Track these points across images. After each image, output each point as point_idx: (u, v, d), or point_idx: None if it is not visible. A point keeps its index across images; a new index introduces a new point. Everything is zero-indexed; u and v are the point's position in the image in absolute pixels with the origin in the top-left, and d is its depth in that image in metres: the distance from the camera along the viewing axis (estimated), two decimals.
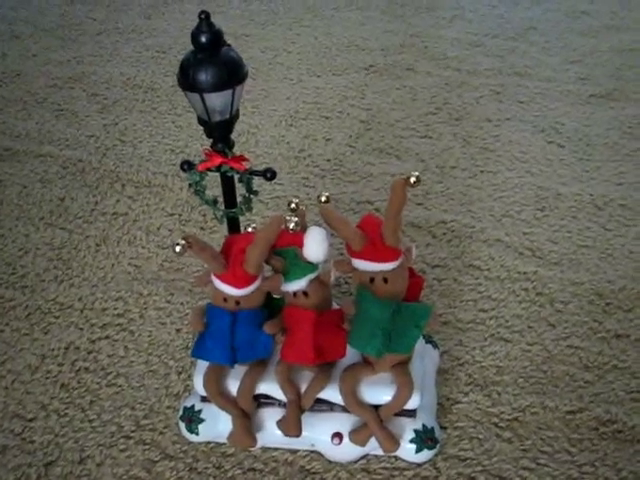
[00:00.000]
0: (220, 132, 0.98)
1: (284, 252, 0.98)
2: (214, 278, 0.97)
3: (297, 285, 0.97)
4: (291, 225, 0.94)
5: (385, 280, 0.95)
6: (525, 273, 1.38)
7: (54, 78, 2.09)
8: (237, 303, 0.98)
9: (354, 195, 1.57)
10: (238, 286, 0.96)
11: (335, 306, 1.06)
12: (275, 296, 1.03)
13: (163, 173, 1.67)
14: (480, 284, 1.36)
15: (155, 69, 2.09)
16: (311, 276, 0.97)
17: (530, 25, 2.32)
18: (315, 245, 0.93)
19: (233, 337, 0.98)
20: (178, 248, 0.90)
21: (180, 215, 1.55)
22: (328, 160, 1.70)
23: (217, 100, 0.94)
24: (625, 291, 1.34)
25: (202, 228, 1.51)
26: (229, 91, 0.94)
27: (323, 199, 0.96)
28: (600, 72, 2.04)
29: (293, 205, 0.98)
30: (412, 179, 0.89)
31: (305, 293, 0.98)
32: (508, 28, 2.30)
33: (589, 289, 1.34)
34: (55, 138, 1.83)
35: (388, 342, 0.95)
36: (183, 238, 0.90)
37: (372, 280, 0.95)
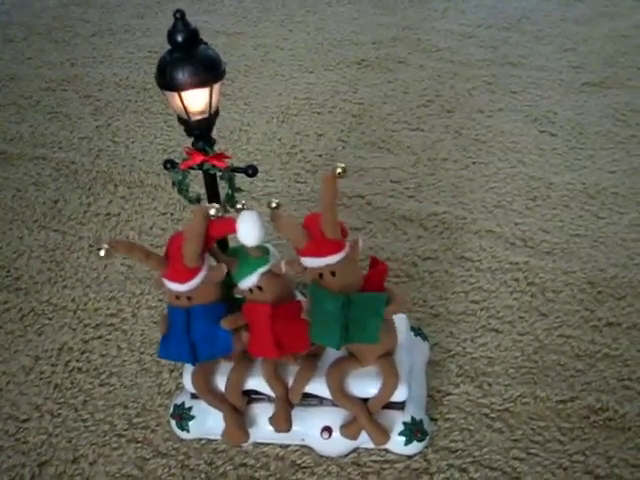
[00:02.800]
0: (200, 130, 0.98)
1: (235, 252, 0.99)
2: (162, 278, 0.97)
3: (250, 281, 0.97)
4: (212, 211, 0.94)
5: (333, 273, 0.95)
6: (516, 263, 1.38)
7: (47, 81, 2.10)
8: (189, 299, 0.98)
9: (346, 190, 1.57)
10: (181, 281, 0.96)
11: (300, 297, 1.06)
12: (236, 295, 1.03)
13: (155, 173, 1.68)
14: (471, 275, 1.36)
15: (148, 69, 2.10)
16: (262, 270, 0.97)
17: (523, 14, 2.31)
18: (247, 228, 0.92)
19: (190, 334, 0.99)
20: (102, 252, 0.90)
21: (172, 214, 1.56)
22: (320, 155, 1.70)
23: (195, 98, 0.94)
24: (617, 279, 1.33)
25: None
26: (207, 89, 0.94)
27: (273, 205, 0.96)
28: (593, 60, 2.04)
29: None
30: (338, 170, 0.89)
31: (260, 287, 0.98)
32: (501, 18, 2.30)
33: (581, 278, 1.34)
34: (48, 141, 1.83)
35: (345, 333, 0.95)
36: (107, 242, 0.90)
37: (321, 275, 0.95)
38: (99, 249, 0.90)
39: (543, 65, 2.03)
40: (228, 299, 1.02)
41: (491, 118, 1.81)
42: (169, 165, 1.02)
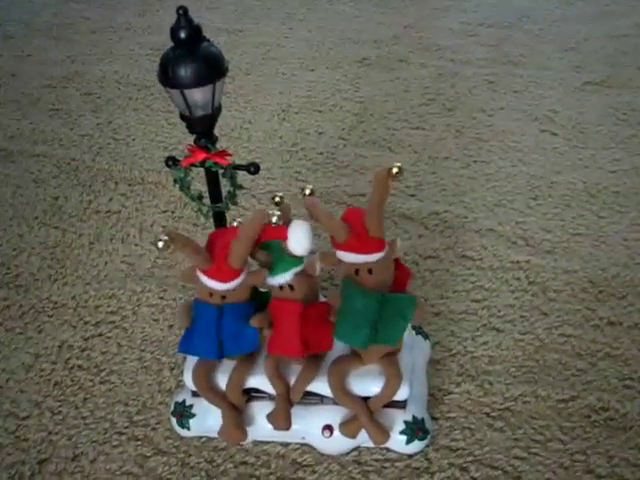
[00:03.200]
0: (202, 127, 0.98)
1: (270, 246, 0.98)
2: (199, 273, 0.97)
3: (283, 279, 0.97)
4: (274, 219, 0.94)
5: (370, 271, 0.95)
6: (518, 262, 1.37)
7: (48, 78, 2.10)
8: (223, 297, 0.98)
9: (347, 188, 1.57)
10: (223, 280, 0.96)
11: (322, 299, 1.06)
12: (262, 290, 1.03)
13: (156, 170, 1.67)
14: (472, 274, 1.36)
15: (149, 67, 2.10)
16: (296, 269, 0.97)
17: (524, 13, 2.31)
18: (299, 238, 0.93)
19: (219, 331, 0.99)
20: (160, 244, 0.90)
21: (173, 212, 1.56)
22: (321, 153, 1.70)
23: (198, 95, 0.94)
24: (618, 278, 1.33)
25: (195, 224, 1.51)
26: (210, 86, 0.94)
27: (307, 192, 0.96)
28: (594, 59, 2.04)
29: (277, 199, 0.98)
30: (394, 170, 0.89)
31: (291, 286, 0.98)
32: (502, 17, 2.30)
33: (582, 277, 1.34)
34: (49, 138, 1.83)
35: (374, 333, 0.95)
36: (166, 234, 0.90)
37: (357, 272, 0.95)
38: (158, 240, 0.90)
39: (544, 64, 2.02)
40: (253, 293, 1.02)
41: (492, 117, 1.81)
42: (171, 162, 1.02)
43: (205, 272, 0.96)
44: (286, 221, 0.97)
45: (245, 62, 2.06)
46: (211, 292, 0.98)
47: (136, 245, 1.48)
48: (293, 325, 0.98)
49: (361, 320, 0.95)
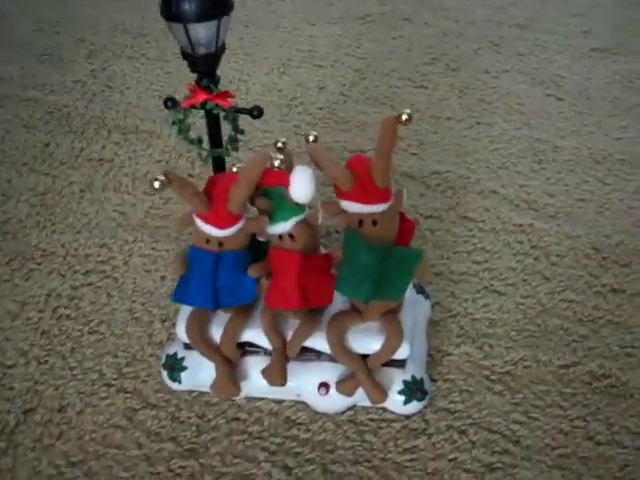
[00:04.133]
0: (205, 67, 0.93)
1: (270, 193, 0.93)
2: (196, 219, 0.93)
3: (283, 227, 0.93)
4: (276, 163, 0.89)
5: (374, 223, 0.91)
6: (520, 225, 1.34)
7: (39, 22, 2.03)
8: (220, 245, 0.94)
9: (347, 144, 1.53)
10: (221, 226, 0.92)
11: (323, 251, 1.02)
12: (260, 239, 0.99)
13: (151, 119, 1.62)
14: (474, 236, 1.32)
15: (145, 14, 2.03)
16: (297, 218, 0.93)
17: None
18: (302, 185, 0.89)
19: (216, 280, 0.95)
20: (157, 184, 0.86)
21: (167, 162, 1.51)
22: (321, 108, 1.65)
23: (201, 31, 0.89)
24: (622, 246, 1.31)
25: (190, 175, 1.47)
26: (214, 22, 0.89)
27: (311, 138, 0.92)
28: (602, 26, 1.99)
29: (280, 144, 0.94)
30: (404, 116, 0.85)
31: (291, 236, 0.94)
32: None
33: (586, 243, 1.31)
34: (40, 83, 1.77)
35: (377, 288, 0.91)
36: (163, 174, 0.86)
37: (361, 223, 0.91)
38: (154, 180, 0.86)
39: (551, 29, 1.98)
40: (251, 243, 0.98)
41: (497, 79, 1.77)
42: (170, 103, 0.97)
43: (202, 217, 0.92)
44: (289, 167, 0.92)
45: (244, 14, 2.00)
46: (208, 239, 0.94)
47: (129, 194, 1.44)
48: (292, 276, 0.94)
49: (364, 274, 0.91)
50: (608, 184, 1.45)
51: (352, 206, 0.91)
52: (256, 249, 0.99)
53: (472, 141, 1.55)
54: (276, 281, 0.96)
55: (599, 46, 1.90)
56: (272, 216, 0.93)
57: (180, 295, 0.98)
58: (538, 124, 1.61)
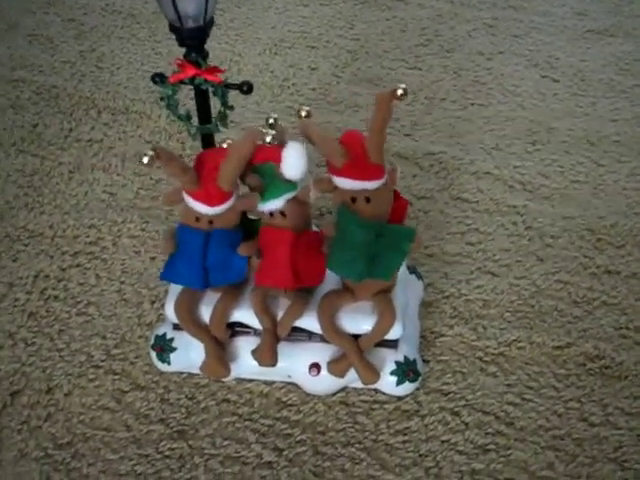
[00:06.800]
0: (193, 40, 0.91)
1: (261, 169, 0.92)
2: (186, 195, 0.91)
3: (274, 204, 0.92)
4: (267, 138, 0.88)
5: (368, 200, 0.89)
6: (514, 206, 1.33)
7: (27, 2, 1.99)
8: (210, 223, 0.92)
9: (339, 125, 1.51)
10: (211, 204, 0.90)
11: (315, 229, 1.00)
12: (251, 217, 0.97)
13: (141, 100, 1.60)
14: (468, 217, 1.31)
15: None
16: (289, 195, 0.91)
17: None
18: (294, 161, 0.87)
19: (205, 258, 0.93)
20: (146, 159, 0.84)
21: (158, 142, 1.49)
22: (313, 89, 1.63)
23: (189, 3, 0.87)
24: (617, 227, 1.29)
25: (180, 155, 1.44)
26: None
27: (303, 114, 0.90)
28: (598, 7, 1.96)
29: (271, 121, 0.91)
30: (399, 91, 0.83)
31: (283, 213, 0.92)
32: None
33: (580, 224, 1.30)
34: (28, 63, 1.74)
35: (370, 266, 0.89)
36: (152, 149, 0.84)
37: (354, 200, 0.89)
38: (143, 155, 0.84)
39: (546, 10, 1.95)
40: (242, 221, 0.97)
41: (491, 61, 1.74)
42: (158, 79, 0.95)
43: (192, 194, 0.91)
44: (280, 143, 0.90)
45: None
46: (198, 216, 0.92)
47: (118, 175, 1.41)
48: (284, 254, 0.92)
49: (357, 252, 0.89)
50: (603, 165, 1.43)
51: (345, 182, 0.89)
52: (247, 227, 0.97)
53: (466, 122, 1.54)
54: (267, 259, 0.94)
55: (594, 28, 1.87)
56: (264, 193, 0.91)
57: (168, 274, 0.96)
58: (533, 105, 1.59)
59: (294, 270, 0.92)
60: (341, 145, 0.87)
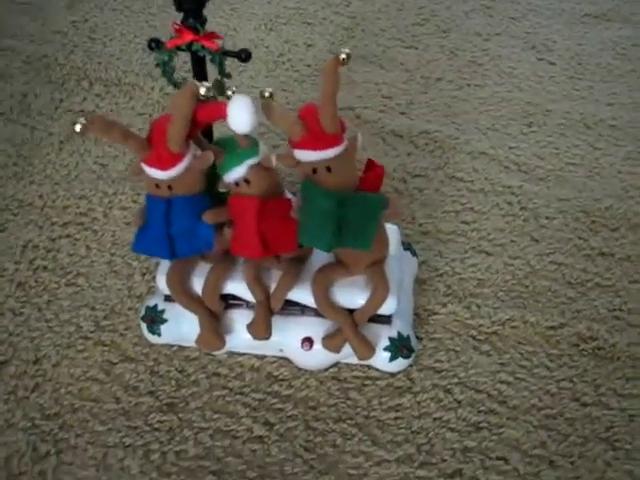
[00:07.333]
0: (191, 4, 0.89)
1: (223, 142, 0.91)
2: (142, 164, 0.89)
3: (237, 172, 0.90)
4: (202, 90, 0.85)
5: (329, 169, 0.88)
6: (510, 187, 1.32)
7: None
8: (170, 188, 0.90)
9: None
10: (163, 167, 0.88)
11: (289, 196, 0.99)
12: (221, 190, 0.95)
13: (134, 72, 1.58)
14: (462, 196, 1.30)
15: None
16: (250, 161, 0.89)
17: None
18: (240, 113, 0.84)
19: (169, 226, 0.91)
20: (78, 127, 0.81)
21: (150, 115, 1.47)
22: (308, 65, 1.61)
23: None
24: (612, 210, 1.29)
25: None
26: None
27: (266, 94, 0.88)
28: None
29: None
30: (342, 56, 0.82)
31: (247, 181, 0.91)
32: None
33: (575, 206, 1.29)
34: (18, 32, 1.71)
35: (339, 236, 0.88)
36: (84, 117, 0.82)
37: (315, 171, 0.88)
38: (74, 123, 0.81)
39: None
40: (212, 195, 0.95)
41: (488, 42, 1.73)
42: (154, 44, 0.93)
43: (147, 161, 0.88)
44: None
45: None
46: (157, 183, 0.90)
47: (110, 146, 1.39)
48: (251, 223, 0.90)
49: (323, 222, 0.88)
50: (599, 149, 1.43)
51: (304, 154, 0.87)
52: (218, 200, 0.95)
53: (462, 102, 1.52)
54: (237, 229, 0.93)
55: (592, 12, 1.86)
56: (225, 163, 0.90)
57: (138, 245, 0.95)
58: (529, 87, 1.58)
59: (262, 238, 0.91)
60: (299, 119, 0.86)
